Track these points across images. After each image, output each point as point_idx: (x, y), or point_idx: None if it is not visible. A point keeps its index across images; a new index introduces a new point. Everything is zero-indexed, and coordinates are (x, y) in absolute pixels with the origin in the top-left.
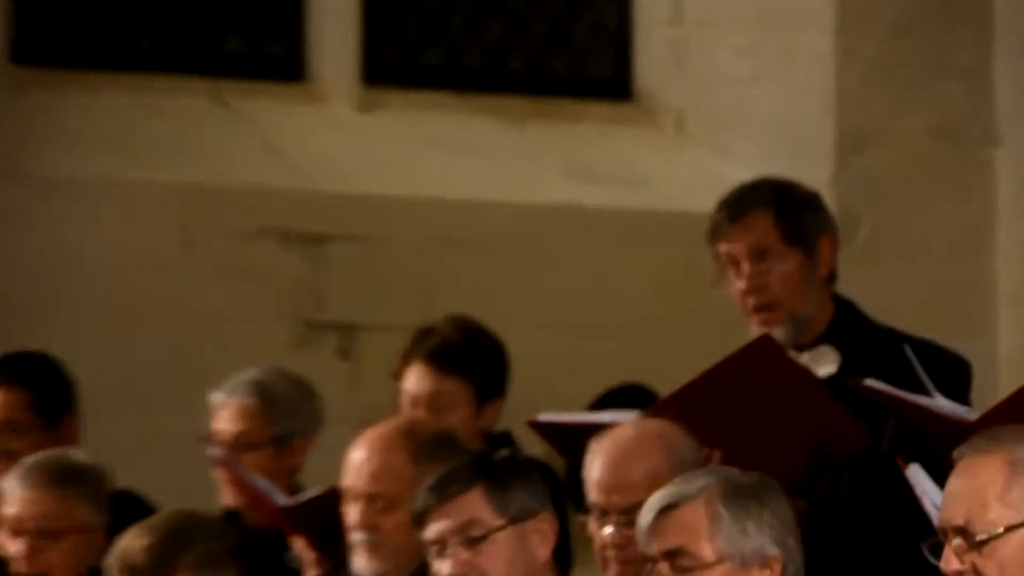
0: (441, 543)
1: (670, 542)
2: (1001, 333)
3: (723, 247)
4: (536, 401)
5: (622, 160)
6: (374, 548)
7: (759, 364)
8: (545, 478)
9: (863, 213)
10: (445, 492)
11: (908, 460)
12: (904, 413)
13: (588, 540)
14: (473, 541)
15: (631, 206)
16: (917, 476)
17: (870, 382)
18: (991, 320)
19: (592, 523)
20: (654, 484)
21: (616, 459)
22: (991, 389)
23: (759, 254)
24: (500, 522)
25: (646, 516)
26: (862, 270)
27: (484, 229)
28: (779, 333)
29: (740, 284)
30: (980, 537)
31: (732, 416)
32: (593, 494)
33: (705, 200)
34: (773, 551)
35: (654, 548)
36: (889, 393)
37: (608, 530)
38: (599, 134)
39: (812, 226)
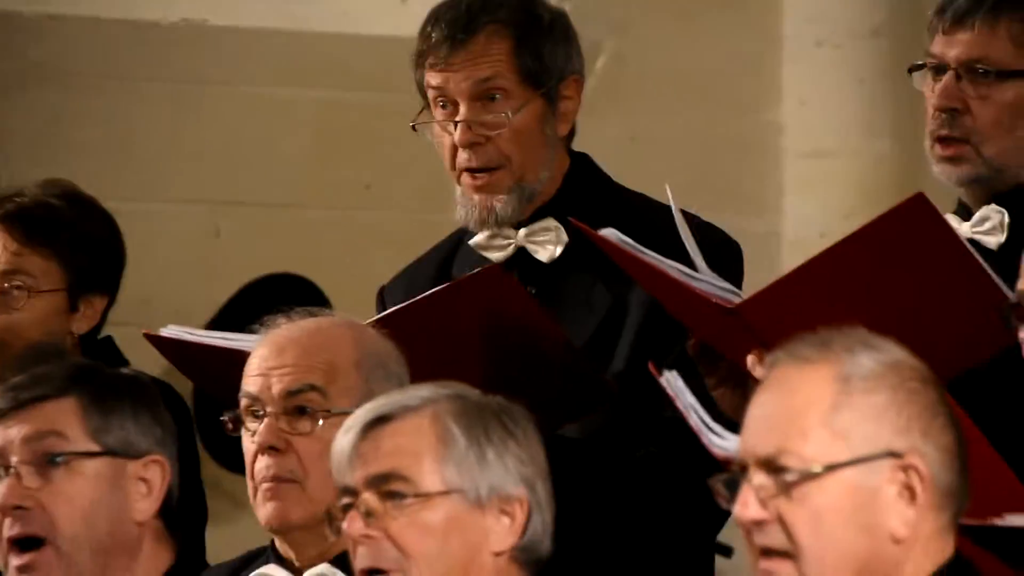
0: (4, 457)
1: (379, 465)
2: (787, 207)
3: (434, 78)
4: (154, 299)
5: None
6: None
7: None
8: (178, 417)
9: (600, 38)
10: (24, 395)
11: (662, 365)
12: (653, 286)
13: (228, 494)
14: (49, 460)
15: (289, 27)
16: (676, 386)
17: (608, 233)
18: (774, 190)
19: (245, 431)
20: (333, 378)
21: (287, 343)
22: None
23: (486, 96)
24: (92, 448)
25: (347, 435)
26: (597, 118)
27: (71, 56)
28: (502, 207)
29: (451, 133)
30: (792, 476)
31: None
32: (249, 384)
33: (398, 22)
34: (518, 492)
35: (355, 476)
36: (632, 254)
37: (263, 424)
38: None
39: (560, 63)
